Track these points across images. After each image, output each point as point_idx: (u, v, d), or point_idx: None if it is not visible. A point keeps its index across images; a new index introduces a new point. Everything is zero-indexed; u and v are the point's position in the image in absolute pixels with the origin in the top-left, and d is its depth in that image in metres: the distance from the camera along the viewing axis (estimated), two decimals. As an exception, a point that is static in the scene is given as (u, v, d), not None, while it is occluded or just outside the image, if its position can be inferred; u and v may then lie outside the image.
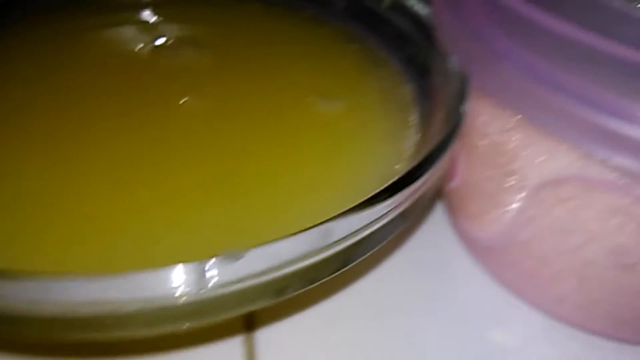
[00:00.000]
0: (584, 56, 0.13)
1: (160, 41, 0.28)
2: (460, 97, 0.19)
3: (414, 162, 0.16)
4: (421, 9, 0.24)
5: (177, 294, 0.12)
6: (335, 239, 0.15)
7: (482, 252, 0.21)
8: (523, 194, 0.17)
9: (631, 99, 0.13)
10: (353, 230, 0.15)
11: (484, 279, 0.21)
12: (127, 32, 0.29)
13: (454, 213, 0.22)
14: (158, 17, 0.30)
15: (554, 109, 0.14)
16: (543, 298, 0.19)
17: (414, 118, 0.21)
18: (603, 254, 0.16)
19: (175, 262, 0.13)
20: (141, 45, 0.27)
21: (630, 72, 0.12)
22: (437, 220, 0.23)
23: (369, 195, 0.15)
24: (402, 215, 0.17)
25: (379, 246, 0.17)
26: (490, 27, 0.16)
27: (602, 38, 0.13)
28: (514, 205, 0.18)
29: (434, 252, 0.22)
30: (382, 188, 0.15)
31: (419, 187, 0.16)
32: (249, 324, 0.19)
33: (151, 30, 0.29)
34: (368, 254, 0.17)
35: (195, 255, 0.13)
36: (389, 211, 0.16)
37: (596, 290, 0.17)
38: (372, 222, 0.16)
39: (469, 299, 0.21)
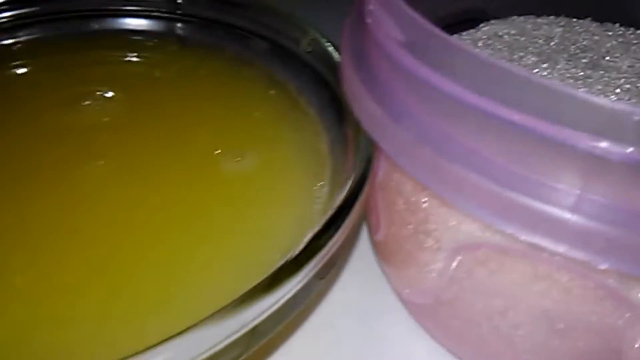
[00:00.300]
0: (480, 123, 0.12)
1: (74, 92, 0.26)
2: (368, 150, 0.17)
3: (317, 229, 0.15)
4: (337, 54, 0.23)
5: None
6: (241, 324, 0.14)
7: (412, 306, 0.20)
8: (442, 255, 0.16)
9: (539, 173, 0.11)
10: (258, 314, 0.14)
11: (416, 330, 0.20)
12: (41, 82, 0.27)
13: (382, 264, 0.21)
14: (71, 65, 0.28)
15: (450, 178, 0.12)
16: (476, 357, 0.18)
17: (327, 170, 0.20)
18: (530, 319, 0.15)
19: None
20: (55, 95, 0.26)
21: (526, 140, 0.11)
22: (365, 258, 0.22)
23: (269, 273, 0.14)
24: (315, 277, 0.16)
25: (292, 315, 0.16)
26: (390, 86, 0.14)
27: (503, 105, 0.11)
28: (435, 265, 0.16)
29: (363, 299, 0.21)
30: (280, 264, 0.14)
31: (322, 258, 0.15)
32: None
33: (63, 80, 0.27)
34: (283, 323, 0.16)
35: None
36: (294, 285, 0.15)
37: (528, 353, 0.16)
38: (277, 301, 0.14)
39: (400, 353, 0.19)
